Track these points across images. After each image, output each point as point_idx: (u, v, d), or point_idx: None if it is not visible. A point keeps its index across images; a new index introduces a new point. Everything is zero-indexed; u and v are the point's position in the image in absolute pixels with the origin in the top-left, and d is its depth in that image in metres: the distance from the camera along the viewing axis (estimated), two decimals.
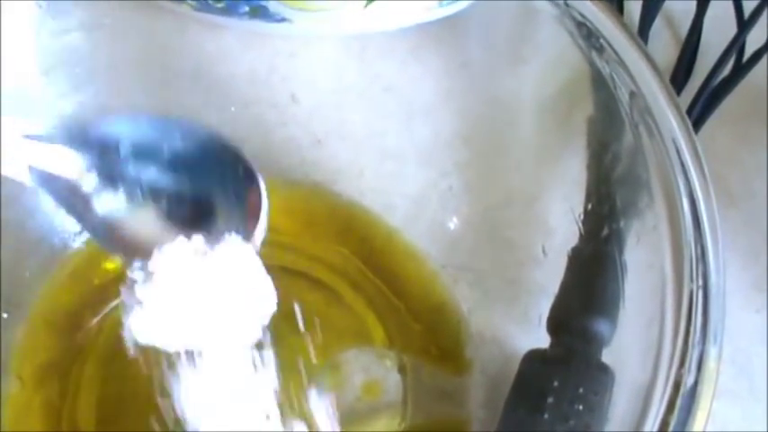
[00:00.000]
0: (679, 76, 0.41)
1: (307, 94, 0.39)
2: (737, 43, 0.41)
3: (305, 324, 0.35)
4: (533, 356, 0.32)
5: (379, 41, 0.38)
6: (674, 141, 0.28)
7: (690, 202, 0.26)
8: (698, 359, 0.24)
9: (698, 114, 0.39)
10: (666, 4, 0.43)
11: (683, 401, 0.24)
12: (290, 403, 0.33)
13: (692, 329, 0.25)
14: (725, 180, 0.39)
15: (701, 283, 0.25)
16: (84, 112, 0.36)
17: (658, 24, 0.43)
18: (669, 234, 0.27)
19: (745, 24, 0.41)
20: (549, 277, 0.33)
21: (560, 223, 0.34)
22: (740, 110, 0.41)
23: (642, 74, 0.29)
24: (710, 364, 0.24)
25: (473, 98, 0.37)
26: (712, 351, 0.24)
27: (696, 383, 0.24)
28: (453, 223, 0.37)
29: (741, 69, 0.41)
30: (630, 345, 0.30)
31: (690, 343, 0.25)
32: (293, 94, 0.39)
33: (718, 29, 0.42)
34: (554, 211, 0.35)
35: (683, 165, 0.27)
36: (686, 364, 0.24)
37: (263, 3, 0.34)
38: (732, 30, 0.42)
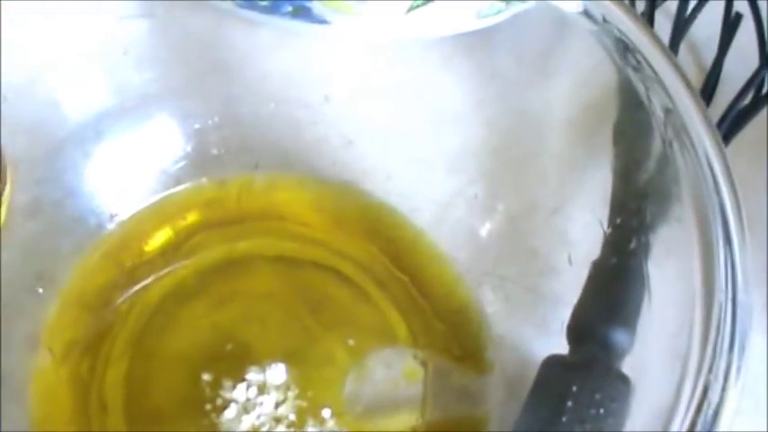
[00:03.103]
0: None
1: (339, 96, 0.39)
2: (759, 76, 0.42)
3: (333, 319, 0.36)
4: (553, 361, 0.33)
5: (412, 48, 0.38)
6: (707, 157, 0.29)
7: (721, 217, 0.27)
8: (725, 371, 0.25)
9: None
10: (690, 32, 0.45)
11: (707, 416, 0.25)
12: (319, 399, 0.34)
13: (719, 341, 0.25)
14: None
15: (730, 296, 0.26)
16: (125, 99, 0.37)
17: (681, 50, 0.44)
18: (700, 249, 0.27)
19: (767, 58, 0.42)
20: (569, 288, 0.34)
21: (582, 235, 0.35)
22: (757, 138, 0.42)
23: (678, 91, 0.30)
24: (736, 376, 0.25)
25: (502, 109, 0.38)
26: (738, 363, 0.25)
27: (723, 396, 0.25)
28: (478, 230, 0.38)
29: (760, 100, 0.42)
30: (654, 358, 0.30)
31: (717, 354, 0.25)
32: (326, 95, 0.39)
33: (740, 59, 0.43)
34: (577, 223, 0.36)
35: (714, 180, 0.28)
36: (714, 374, 0.25)
37: (308, 3, 0.34)
38: (753, 59, 0.43)
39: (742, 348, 0.26)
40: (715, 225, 0.27)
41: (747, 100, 0.42)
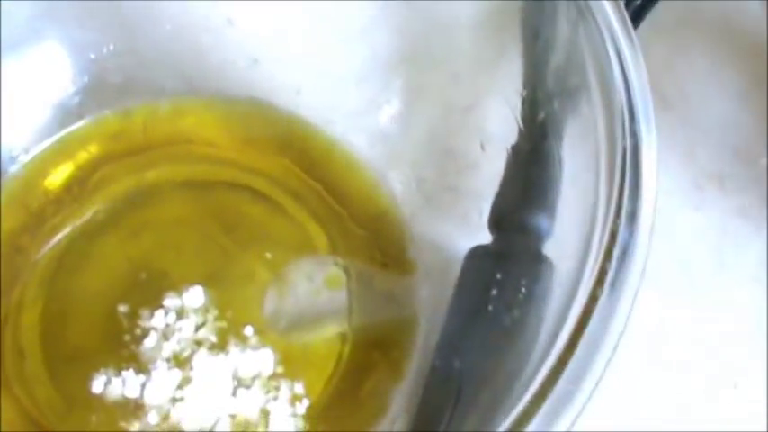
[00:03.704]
0: None
1: (242, 18, 0.38)
2: None
3: (249, 236, 0.35)
4: (476, 252, 0.32)
5: None
6: (608, 27, 0.28)
7: (620, 71, 0.27)
8: (629, 213, 0.24)
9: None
10: None
11: (616, 258, 0.24)
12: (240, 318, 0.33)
13: (625, 185, 0.25)
14: (659, 85, 0.39)
15: (629, 142, 0.25)
16: (11, 33, 0.35)
17: None
18: (602, 111, 0.27)
19: None
20: (489, 182, 0.33)
21: (498, 129, 0.34)
22: (675, 19, 0.42)
23: None
24: (643, 221, 0.24)
25: (410, 17, 0.37)
26: (645, 205, 0.24)
27: (631, 238, 0.24)
28: (393, 135, 0.37)
29: None
30: (568, 236, 0.30)
31: (623, 199, 0.25)
32: (228, 18, 0.38)
33: None
34: (492, 118, 0.35)
35: (615, 44, 0.27)
36: (620, 218, 0.24)
37: None
38: None
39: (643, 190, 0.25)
40: (614, 83, 0.27)
41: None
